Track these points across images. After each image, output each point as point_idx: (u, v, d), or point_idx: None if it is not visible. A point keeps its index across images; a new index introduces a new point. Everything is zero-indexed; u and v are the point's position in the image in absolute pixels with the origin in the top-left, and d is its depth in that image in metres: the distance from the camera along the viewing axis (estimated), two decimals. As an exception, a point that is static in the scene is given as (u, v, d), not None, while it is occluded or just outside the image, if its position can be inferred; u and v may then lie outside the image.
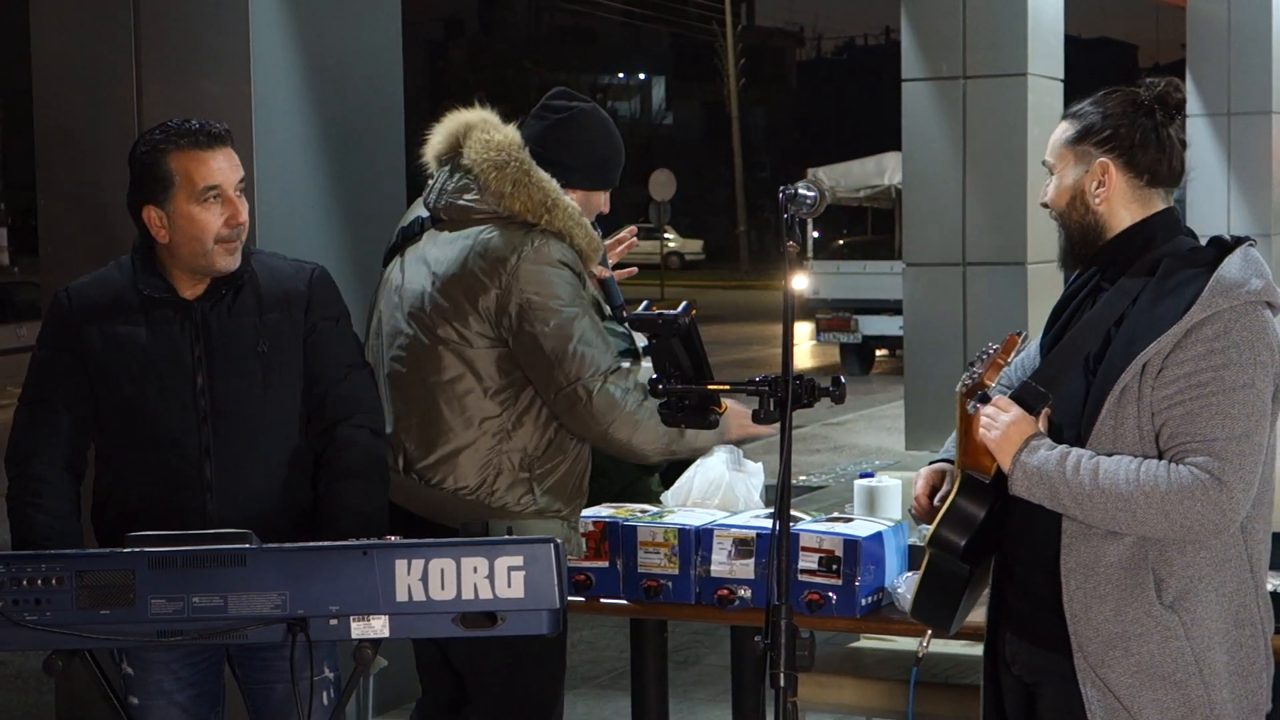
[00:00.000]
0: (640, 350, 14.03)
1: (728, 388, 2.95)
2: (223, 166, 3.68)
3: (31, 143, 6.24)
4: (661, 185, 39.23)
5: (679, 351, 2.93)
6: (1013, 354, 3.22)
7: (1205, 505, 3.03)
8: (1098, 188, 3.23)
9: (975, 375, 3.19)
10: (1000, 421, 3.16)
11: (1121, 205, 3.24)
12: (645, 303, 3.02)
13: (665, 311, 2.93)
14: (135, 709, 3.74)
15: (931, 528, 3.24)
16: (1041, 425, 3.18)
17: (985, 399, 3.16)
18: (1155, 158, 3.23)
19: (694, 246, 52.87)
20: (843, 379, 2.89)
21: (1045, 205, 3.34)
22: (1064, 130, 3.29)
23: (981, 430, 3.19)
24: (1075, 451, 3.12)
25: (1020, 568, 3.31)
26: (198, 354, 3.72)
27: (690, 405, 2.95)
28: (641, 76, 65.38)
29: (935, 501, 3.35)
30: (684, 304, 2.98)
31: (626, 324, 4.20)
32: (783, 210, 2.94)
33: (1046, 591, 3.21)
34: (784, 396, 2.87)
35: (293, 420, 3.81)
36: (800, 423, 15.53)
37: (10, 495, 3.72)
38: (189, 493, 3.71)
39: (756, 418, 2.86)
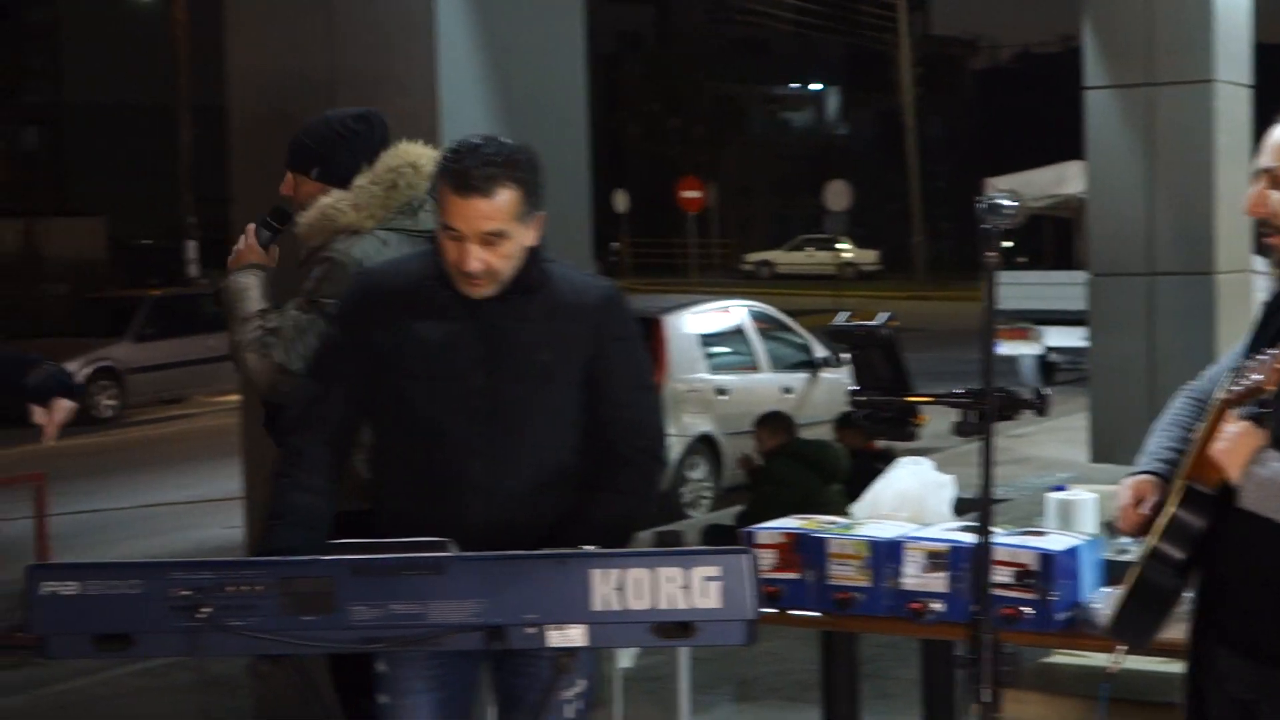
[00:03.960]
0: (816, 361, 13.96)
1: (930, 399, 2.92)
2: (467, 215, 3.65)
3: (222, 158, 6.39)
4: (837, 195, 39.05)
5: (879, 363, 2.91)
6: None
7: None
8: None
9: (1248, 381, 3.05)
10: (1228, 433, 3.08)
11: None
12: (845, 314, 3.01)
13: (865, 322, 2.92)
14: (385, 708, 3.77)
15: (1149, 540, 3.16)
16: None
17: (1267, 404, 3.03)
18: None
19: (869, 257, 52.54)
20: (1045, 391, 2.86)
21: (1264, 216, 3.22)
22: None
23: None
24: None
25: (1238, 584, 3.22)
26: (480, 353, 3.74)
27: (889, 417, 2.94)
28: (815, 87, 65.16)
29: (1145, 511, 3.29)
30: (884, 315, 2.97)
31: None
32: (982, 221, 2.91)
33: (1271, 606, 3.14)
34: (986, 409, 2.84)
35: (566, 432, 3.81)
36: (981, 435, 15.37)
37: (275, 463, 3.83)
38: (453, 490, 3.73)
39: (959, 430, 2.84)
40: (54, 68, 44.29)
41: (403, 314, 3.77)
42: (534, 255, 3.80)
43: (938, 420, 3.56)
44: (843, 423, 10.49)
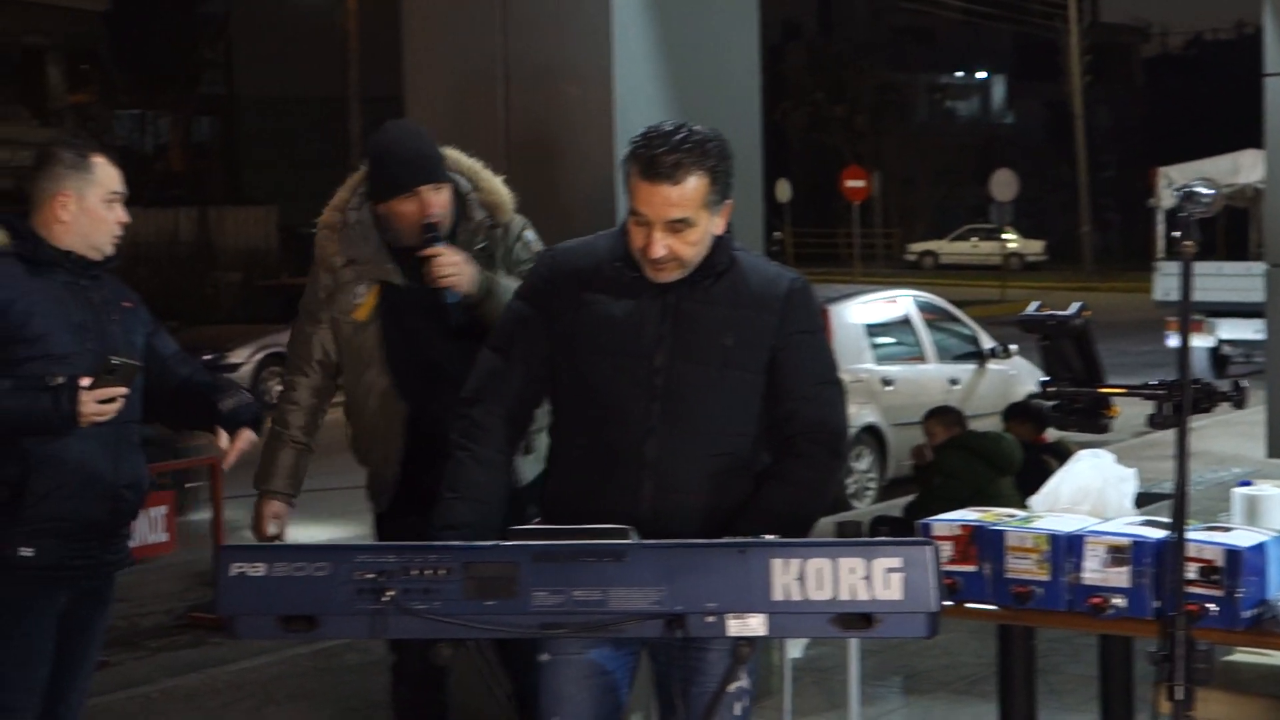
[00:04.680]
0: (987, 352, 13.78)
1: (1123, 391, 2.88)
2: (654, 202, 3.65)
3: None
4: (1003, 185, 38.58)
5: (1070, 353, 2.87)
6: None
7: None
8: None
9: None
10: None
11: None
12: (1035, 304, 2.97)
13: (1057, 312, 2.87)
14: (546, 665, 3.73)
15: None
16: None
17: None
18: None
19: (1035, 247, 51.86)
20: (1243, 383, 2.80)
21: None
22: None
23: None
24: None
25: None
26: (662, 332, 3.73)
27: (1081, 408, 2.89)
28: (982, 75, 64.43)
29: None
30: (1077, 304, 2.92)
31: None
32: (1179, 209, 2.85)
33: None
34: (1182, 401, 2.79)
35: (742, 418, 3.80)
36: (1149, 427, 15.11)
37: (453, 432, 3.88)
38: (626, 469, 3.73)
39: (1152, 422, 2.79)
40: (226, 59, 45.08)
41: (589, 291, 3.78)
42: (722, 242, 3.79)
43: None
44: (1010, 414, 10.37)
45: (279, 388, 5.16)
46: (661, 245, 3.67)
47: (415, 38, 6.36)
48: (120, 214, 4.52)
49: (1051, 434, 9.93)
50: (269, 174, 44.13)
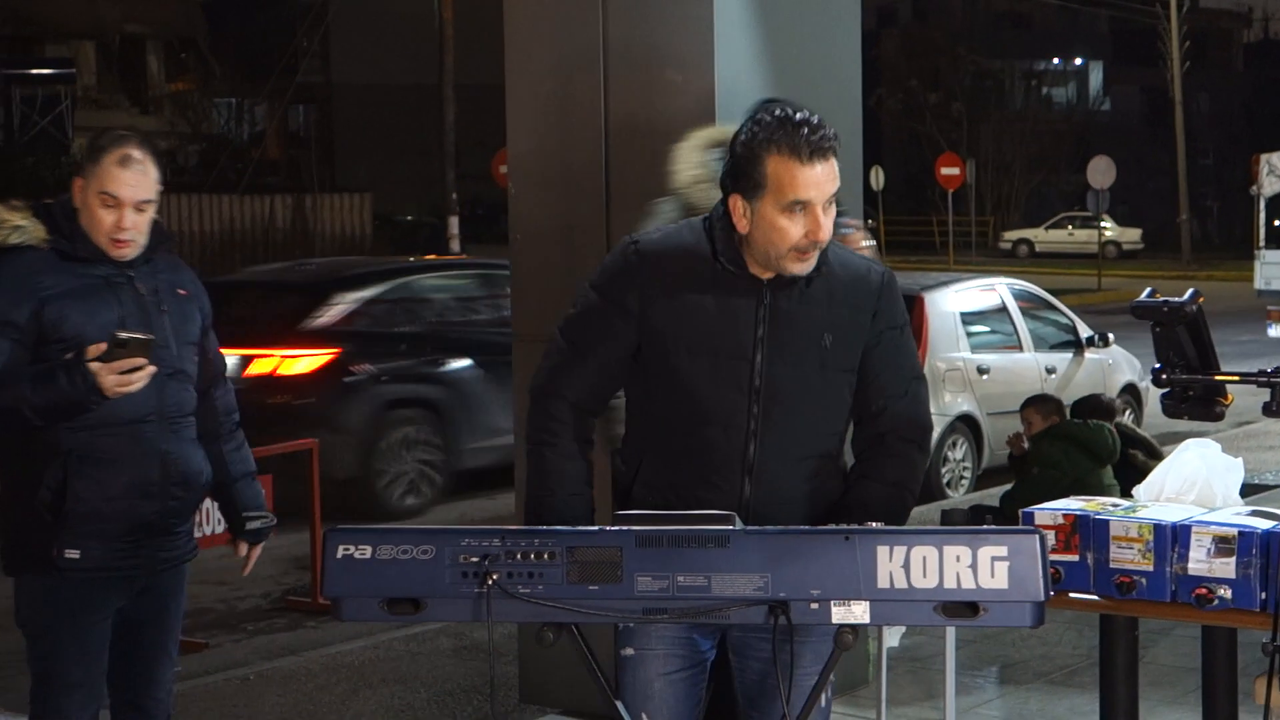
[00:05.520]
0: (1084, 340, 13.46)
1: (1236, 378, 2.84)
2: (820, 182, 3.54)
3: (482, 135, 6.49)
4: (1100, 173, 38.21)
5: (1184, 340, 2.84)
6: None
7: None
8: None
9: None
10: None
11: None
12: (1149, 290, 2.94)
13: (1170, 299, 2.84)
14: (627, 660, 3.69)
15: None
16: None
17: None
18: None
19: (1132, 236, 51.35)
20: (1360, 371, 2.76)
21: None
22: None
23: None
24: None
25: None
26: (761, 334, 3.64)
27: (1195, 396, 2.86)
28: (1078, 61, 63.82)
29: None
30: (1190, 291, 2.89)
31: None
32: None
33: None
34: (1297, 389, 2.75)
35: (837, 418, 3.75)
36: (1250, 418, 14.85)
37: (529, 426, 3.78)
38: (727, 471, 3.65)
39: (1266, 410, 2.75)
40: (323, 48, 45.46)
41: (680, 287, 3.66)
42: None
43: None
44: (1078, 410, 10.01)
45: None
46: (825, 227, 3.57)
47: (516, 22, 6.38)
48: (122, 219, 4.29)
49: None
50: (364, 162, 44.47)
